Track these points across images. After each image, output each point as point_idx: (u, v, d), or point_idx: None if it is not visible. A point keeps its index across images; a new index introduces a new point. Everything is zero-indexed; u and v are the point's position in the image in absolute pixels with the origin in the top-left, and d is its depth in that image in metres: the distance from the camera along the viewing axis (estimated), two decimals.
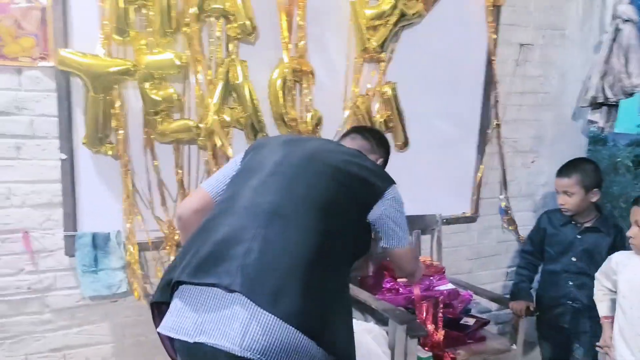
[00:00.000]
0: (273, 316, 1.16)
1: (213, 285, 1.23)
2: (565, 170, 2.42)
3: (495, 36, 2.71)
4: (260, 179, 1.41)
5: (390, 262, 1.80)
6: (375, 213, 1.50)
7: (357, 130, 1.88)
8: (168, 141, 2.14)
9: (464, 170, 2.88)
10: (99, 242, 2.13)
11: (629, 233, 1.95)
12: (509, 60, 2.85)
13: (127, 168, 2.09)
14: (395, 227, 1.55)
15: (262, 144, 1.58)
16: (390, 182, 1.54)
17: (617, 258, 2.04)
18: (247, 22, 2.09)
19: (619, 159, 4.15)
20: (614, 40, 2.66)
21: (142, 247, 2.20)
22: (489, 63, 2.76)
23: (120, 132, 2.04)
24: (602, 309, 2.11)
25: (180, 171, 2.20)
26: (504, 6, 2.72)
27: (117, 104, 2.00)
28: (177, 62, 2.00)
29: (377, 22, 2.33)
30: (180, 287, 1.30)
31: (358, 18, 2.32)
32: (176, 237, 2.19)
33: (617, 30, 2.66)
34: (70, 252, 2.10)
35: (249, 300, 1.18)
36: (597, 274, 2.13)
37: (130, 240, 2.14)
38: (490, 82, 2.77)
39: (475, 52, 2.74)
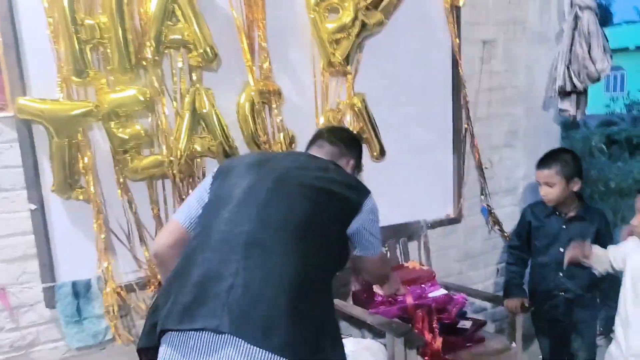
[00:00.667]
0: (266, 351, 1.14)
1: (201, 329, 1.18)
2: (544, 161, 2.43)
3: (457, 38, 2.72)
4: (232, 209, 1.37)
5: (361, 268, 1.78)
6: (353, 227, 1.48)
7: (322, 135, 1.81)
8: (140, 178, 2.09)
9: (443, 173, 2.87)
10: (80, 290, 2.07)
11: (633, 221, 1.93)
12: (475, 59, 2.87)
13: (99, 211, 2.03)
14: (371, 237, 1.55)
15: (229, 168, 1.53)
16: (366, 193, 1.51)
17: (623, 246, 2.03)
18: (208, 50, 2.06)
19: (592, 143, 4.21)
20: (574, 28, 2.70)
21: (126, 289, 2.14)
22: (455, 63, 2.76)
23: (89, 175, 1.98)
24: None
25: (156, 207, 2.15)
26: (464, 6, 2.73)
27: (84, 146, 1.95)
28: (141, 98, 1.96)
29: (339, 35, 2.32)
30: (166, 334, 1.25)
31: (320, 33, 2.30)
32: (159, 277, 2.13)
33: (577, 18, 2.69)
34: (50, 304, 2.03)
35: (239, 340, 1.15)
36: (610, 247, 2.11)
37: (108, 285, 2.07)
38: (458, 83, 2.78)
39: (440, 54, 2.75)
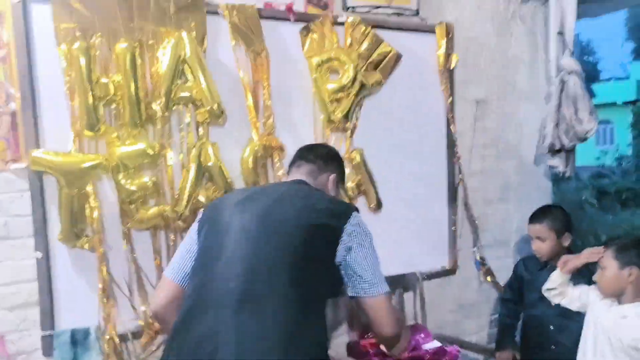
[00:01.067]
0: None
1: None
2: (536, 216, 2.51)
3: (450, 97, 2.85)
4: (222, 263, 1.40)
5: (364, 317, 1.54)
6: (338, 257, 1.42)
7: (300, 155, 1.80)
8: (145, 228, 2.15)
9: (438, 225, 2.94)
10: (78, 338, 2.08)
11: (594, 277, 2.02)
12: (468, 116, 3.00)
13: (103, 260, 2.07)
14: (359, 269, 1.42)
15: (214, 212, 1.54)
16: (346, 216, 1.46)
17: (592, 292, 2.10)
18: (215, 107, 2.16)
19: (583, 197, 4.32)
20: (561, 90, 2.84)
21: (125, 338, 2.16)
22: (449, 121, 2.88)
23: (95, 224, 2.04)
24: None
25: (158, 257, 2.19)
26: (457, 66, 2.88)
27: (91, 197, 2.01)
28: (150, 152, 2.04)
29: (339, 95, 2.44)
30: None
31: (321, 92, 2.42)
32: (156, 325, 2.15)
33: (563, 81, 2.84)
34: (48, 352, 2.04)
35: None
36: (584, 286, 2.17)
37: (107, 333, 2.09)
38: (451, 139, 2.89)
39: (435, 112, 2.87)
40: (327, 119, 2.45)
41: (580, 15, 2.80)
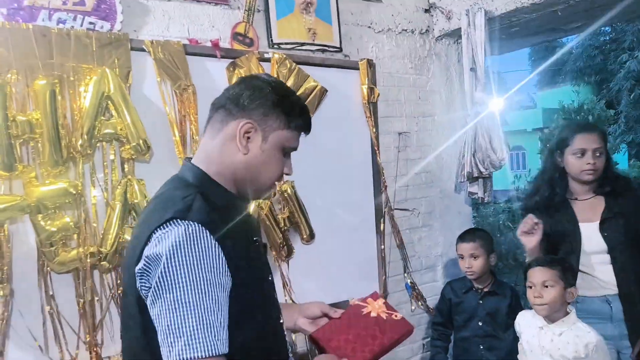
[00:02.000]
0: None
1: None
2: (468, 235, 2.66)
3: (374, 129, 2.97)
4: None
5: None
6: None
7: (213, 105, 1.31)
8: (67, 271, 2.05)
9: (368, 253, 3.01)
10: None
11: (527, 294, 2.09)
12: (392, 147, 3.12)
13: (7, 309, 1.93)
14: (160, 318, 1.04)
15: None
16: (155, 227, 1.08)
17: (519, 319, 2.20)
18: (141, 142, 2.13)
19: (500, 222, 4.58)
20: (476, 122, 3.03)
21: None
22: (374, 152, 2.99)
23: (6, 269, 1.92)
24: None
25: (81, 300, 2.09)
26: (379, 100, 3.01)
27: (4, 241, 1.90)
28: (72, 191, 1.97)
29: None
30: None
31: None
32: None
33: (478, 113, 3.04)
34: None
35: None
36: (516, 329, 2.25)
37: None
38: (377, 169, 3.00)
39: (360, 144, 2.97)
40: None
41: (488, 52, 3.03)
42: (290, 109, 1.25)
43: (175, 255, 1.03)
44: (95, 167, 2.11)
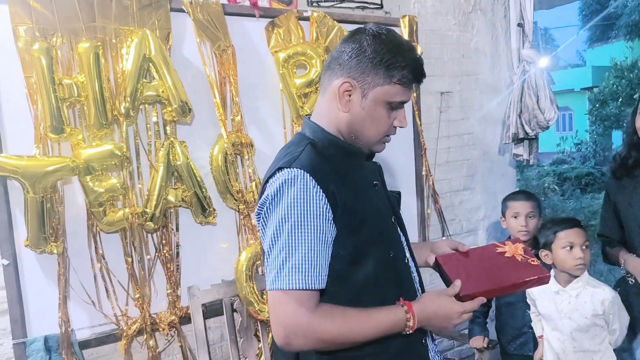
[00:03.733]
0: None
1: None
2: (524, 195, 2.58)
3: (415, 89, 2.89)
4: None
5: None
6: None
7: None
8: (114, 230, 2.12)
9: (408, 216, 2.99)
10: (52, 345, 2.04)
11: (564, 255, 2.03)
12: (433, 108, 3.05)
13: (64, 265, 2.02)
14: (266, 246, 1.20)
15: None
16: (268, 177, 1.23)
17: (536, 289, 2.14)
18: (182, 105, 2.14)
19: (546, 185, 4.45)
20: (523, 81, 2.92)
21: (97, 343, 2.13)
22: (414, 113, 2.93)
23: (62, 229, 2.00)
24: (537, 330, 2.24)
25: (129, 259, 2.17)
26: None
27: (58, 201, 1.97)
28: (118, 153, 2.01)
29: (307, 90, 2.45)
30: None
31: (289, 88, 2.42)
32: (132, 329, 2.14)
33: (525, 71, 2.91)
34: None
35: None
36: (527, 300, 2.24)
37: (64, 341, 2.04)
38: (418, 131, 2.94)
39: None
40: (296, 114, 2.46)
41: (537, 6, 2.88)
42: (390, 64, 1.21)
43: (276, 196, 1.16)
44: (139, 129, 2.15)
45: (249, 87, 2.39)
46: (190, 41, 2.24)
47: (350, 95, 1.24)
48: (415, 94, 2.89)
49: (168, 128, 2.19)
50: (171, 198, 2.19)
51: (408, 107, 2.89)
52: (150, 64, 2.09)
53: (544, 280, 1.33)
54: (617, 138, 12.84)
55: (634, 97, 11.27)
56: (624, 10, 13.99)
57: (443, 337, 2.83)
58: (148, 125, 2.17)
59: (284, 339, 1.15)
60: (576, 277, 2.01)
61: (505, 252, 1.40)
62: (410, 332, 1.22)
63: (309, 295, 1.15)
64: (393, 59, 1.21)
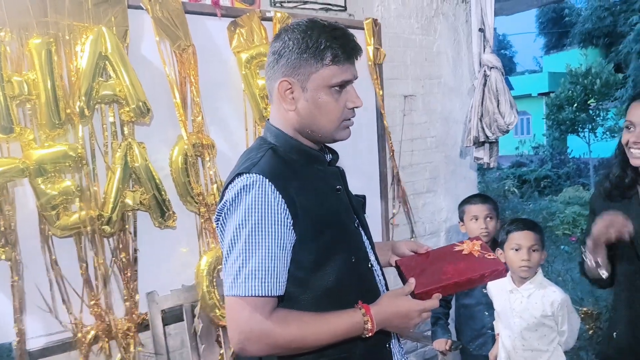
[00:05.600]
0: None
1: None
2: (481, 198, 2.61)
3: (381, 91, 2.90)
4: None
5: None
6: None
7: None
8: (68, 235, 2.03)
9: (373, 218, 2.99)
10: (2, 354, 1.94)
11: (511, 256, 2.07)
12: (397, 111, 3.06)
13: (17, 272, 1.92)
14: (223, 251, 1.20)
15: None
16: (228, 183, 1.21)
17: (490, 285, 2.21)
18: (140, 105, 2.08)
19: (506, 187, 4.55)
20: (484, 85, 2.96)
21: (52, 352, 2.03)
22: (380, 116, 2.93)
23: (11, 234, 1.90)
24: (496, 328, 2.28)
25: (84, 264, 2.08)
26: (385, 62, 2.93)
27: (7, 204, 1.88)
28: (72, 154, 1.93)
29: None
30: None
31: (252, 89, 2.38)
32: (88, 338, 2.05)
33: (486, 76, 2.96)
34: None
35: None
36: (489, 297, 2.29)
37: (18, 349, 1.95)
38: (383, 133, 2.94)
39: (366, 107, 2.87)
40: (259, 115, 2.42)
41: (497, 12, 2.93)
42: (316, 47, 1.19)
43: (234, 201, 1.15)
44: (95, 130, 2.07)
45: (211, 87, 2.34)
46: (149, 39, 2.18)
47: (292, 93, 1.23)
48: (380, 95, 2.89)
49: (126, 129, 2.12)
50: (129, 201, 2.12)
51: (372, 108, 2.90)
52: (107, 62, 2.02)
53: (499, 274, 1.35)
54: (572, 142, 13.30)
55: (589, 102, 11.70)
56: (578, 18, 14.51)
57: (406, 338, 2.84)
58: (104, 126, 2.09)
59: (238, 344, 1.15)
60: (525, 278, 2.05)
61: (463, 249, 1.43)
62: (370, 334, 1.21)
63: (265, 301, 1.13)
64: (316, 42, 1.19)
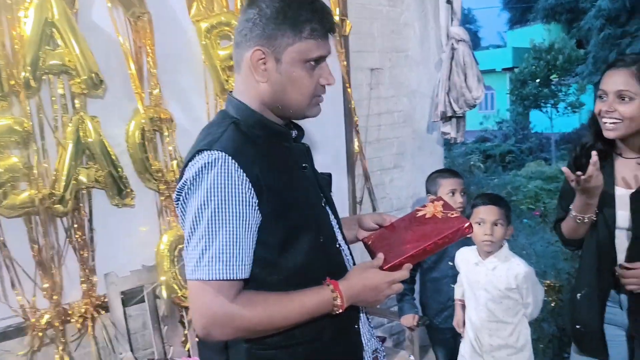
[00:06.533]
0: None
1: None
2: (451, 172, 2.61)
3: (346, 64, 2.82)
4: None
5: None
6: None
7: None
8: (17, 215, 1.91)
9: (339, 194, 2.94)
10: None
11: (475, 230, 2.06)
12: (364, 85, 3.00)
13: None
14: (185, 233, 1.14)
15: None
16: (187, 160, 1.15)
17: (458, 255, 2.24)
18: (92, 76, 1.95)
19: (472, 162, 4.58)
20: (452, 58, 2.92)
21: (3, 337, 1.94)
22: (345, 89, 2.86)
23: None
24: (457, 293, 2.30)
25: (36, 246, 1.97)
26: (351, 34, 2.85)
27: None
28: (18, 128, 1.81)
29: (232, 62, 2.29)
30: None
31: (212, 60, 2.28)
32: (42, 322, 1.96)
33: (453, 49, 2.92)
34: None
35: None
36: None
37: None
38: (349, 108, 2.88)
39: None
40: (220, 88, 2.32)
41: None
42: (294, 19, 1.14)
43: (195, 180, 1.09)
44: (43, 102, 1.94)
45: (169, 58, 2.22)
46: (100, 6, 2.04)
47: (265, 64, 1.16)
48: (345, 68, 2.82)
49: (77, 101, 2.00)
50: (82, 178, 2.01)
51: (339, 84, 2.83)
52: (54, 30, 1.88)
53: (465, 231, 1.31)
54: (535, 117, 13.55)
55: (551, 78, 11.90)
56: None
57: (373, 315, 2.83)
58: (53, 98, 1.96)
59: (202, 329, 1.10)
60: (490, 252, 2.07)
61: (426, 213, 1.40)
62: (340, 311, 1.18)
63: (229, 284, 1.08)
64: (296, 13, 1.13)
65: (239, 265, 1.08)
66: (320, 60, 1.19)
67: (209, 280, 1.06)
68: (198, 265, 1.07)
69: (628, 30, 11.73)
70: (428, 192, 2.63)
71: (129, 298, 2.19)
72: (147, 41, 2.12)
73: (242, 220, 1.09)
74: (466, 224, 1.30)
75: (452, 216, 1.35)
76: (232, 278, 1.07)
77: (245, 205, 1.09)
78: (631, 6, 11.40)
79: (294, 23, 1.13)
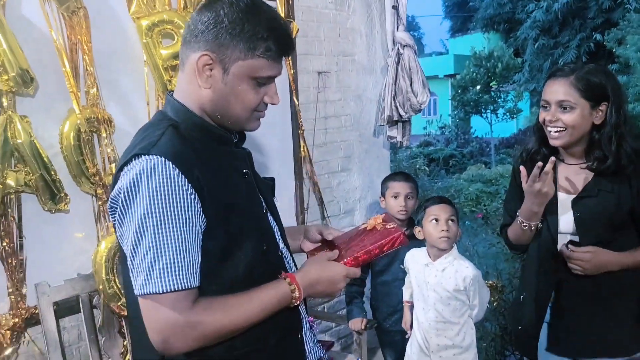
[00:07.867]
0: None
1: None
2: (403, 176, 2.65)
3: (292, 68, 2.79)
4: None
5: None
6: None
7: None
8: None
9: (287, 199, 2.91)
10: None
11: (429, 228, 2.11)
12: (311, 88, 2.98)
13: None
14: (125, 246, 1.07)
15: None
16: (122, 164, 1.08)
17: (408, 256, 2.28)
18: (22, 73, 1.83)
19: (417, 166, 4.66)
20: (397, 63, 2.95)
21: None
22: (292, 92, 2.83)
23: None
24: (405, 295, 2.34)
25: None
26: (298, 37, 2.82)
27: None
28: None
29: (174, 62, 2.22)
30: None
31: (154, 59, 2.19)
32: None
33: (399, 54, 2.95)
34: None
35: None
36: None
37: None
38: (296, 111, 2.85)
39: (277, 83, 2.79)
40: (163, 88, 2.23)
41: None
42: (251, 35, 1.09)
43: (133, 188, 1.03)
44: None
45: (107, 56, 2.12)
46: None
47: (211, 70, 1.12)
48: (292, 71, 2.79)
49: (4, 100, 1.86)
50: (11, 182, 1.88)
51: (285, 85, 2.79)
52: None
53: (400, 240, 1.37)
54: (476, 122, 14.01)
55: (491, 84, 12.35)
56: (481, 4, 15.18)
57: (321, 318, 2.81)
58: None
59: (162, 344, 1.05)
60: (444, 251, 2.11)
61: (367, 227, 1.46)
62: (298, 302, 1.17)
63: (185, 294, 1.03)
64: (253, 30, 1.10)
65: (191, 273, 1.04)
66: (269, 80, 1.16)
67: (164, 293, 1.01)
68: (148, 279, 1.01)
69: (560, 41, 12.34)
70: (382, 194, 2.66)
71: (64, 309, 2.07)
72: (84, 37, 2.00)
73: (189, 226, 1.04)
74: (400, 233, 1.37)
75: (389, 227, 1.42)
76: (187, 287, 1.03)
77: (190, 210, 1.04)
78: (563, 18, 11.98)
79: (249, 38, 1.10)
